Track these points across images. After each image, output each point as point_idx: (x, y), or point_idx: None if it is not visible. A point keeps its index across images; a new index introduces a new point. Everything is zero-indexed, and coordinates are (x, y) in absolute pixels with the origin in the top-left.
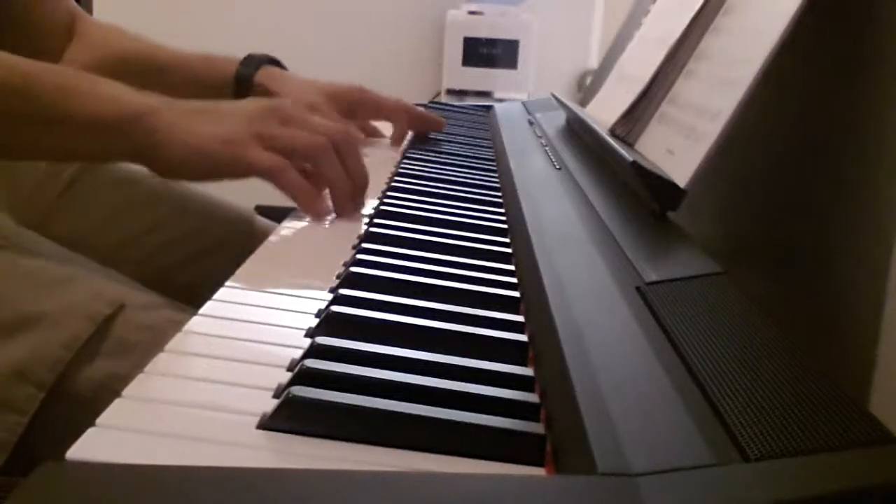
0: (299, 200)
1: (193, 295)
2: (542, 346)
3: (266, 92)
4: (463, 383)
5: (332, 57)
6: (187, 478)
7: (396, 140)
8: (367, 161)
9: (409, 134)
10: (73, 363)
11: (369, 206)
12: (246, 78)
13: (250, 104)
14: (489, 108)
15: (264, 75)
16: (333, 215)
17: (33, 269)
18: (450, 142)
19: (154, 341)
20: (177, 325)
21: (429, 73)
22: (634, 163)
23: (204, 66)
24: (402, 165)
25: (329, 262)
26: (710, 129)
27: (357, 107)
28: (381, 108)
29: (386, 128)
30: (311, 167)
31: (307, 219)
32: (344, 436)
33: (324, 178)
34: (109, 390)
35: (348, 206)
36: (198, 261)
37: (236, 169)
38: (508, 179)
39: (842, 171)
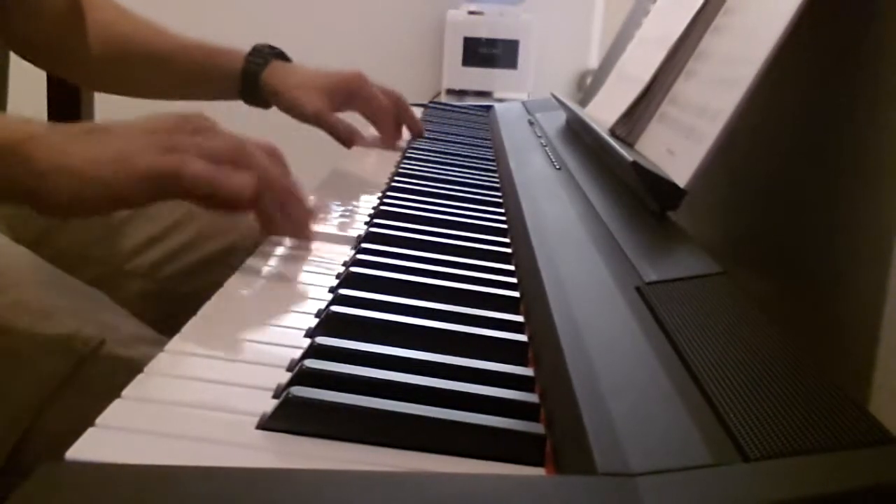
0: (217, 188)
1: (198, 304)
2: (541, 346)
3: (273, 90)
4: (462, 383)
5: (332, 57)
6: (187, 478)
7: (386, 143)
8: (366, 160)
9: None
10: (48, 402)
11: (369, 205)
12: (255, 74)
13: (151, 119)
14: (489, 108)
15: (269, 73)
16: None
17: (15, 300)
18: (450, 142)
19: (131, 380)
20: None
21: (429, 73)
22: (634, 163)
23: (207, 58)
24: (402, 165)
25: (328, 262)
26: (710, 129)
27: (354, 97)
28: (370, 105)
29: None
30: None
31: None
32: (343, 436)
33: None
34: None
35: (302, 218)
36: (203, 270)
37: (131, 184)
38: (508, 179)
39: (842, 170)
